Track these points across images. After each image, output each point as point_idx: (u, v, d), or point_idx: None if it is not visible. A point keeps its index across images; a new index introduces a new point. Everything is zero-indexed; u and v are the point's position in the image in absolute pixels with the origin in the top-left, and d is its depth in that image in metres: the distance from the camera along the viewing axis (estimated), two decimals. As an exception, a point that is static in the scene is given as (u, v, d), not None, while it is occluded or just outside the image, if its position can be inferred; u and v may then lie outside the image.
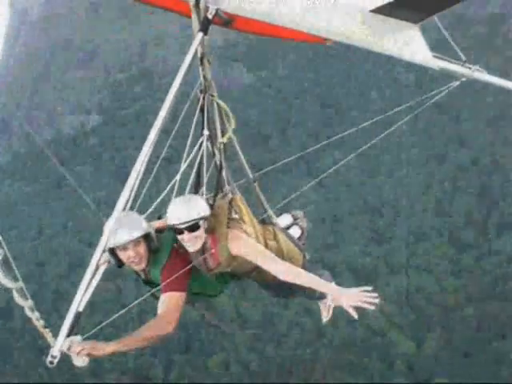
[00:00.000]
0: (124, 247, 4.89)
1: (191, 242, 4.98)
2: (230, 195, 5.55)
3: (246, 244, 5.08)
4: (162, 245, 5.06)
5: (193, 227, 4.94)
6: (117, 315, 4.78)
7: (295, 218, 6.70)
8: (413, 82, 64.13)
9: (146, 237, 4.94)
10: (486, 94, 59.87)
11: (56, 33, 74.52)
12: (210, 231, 5.06)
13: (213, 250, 5.09)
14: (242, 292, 47.46)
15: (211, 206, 5.18)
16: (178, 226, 4.94)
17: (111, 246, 4.79)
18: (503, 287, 47.14)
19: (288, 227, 6.58)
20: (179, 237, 4.98)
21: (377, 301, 4.47)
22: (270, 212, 6.07)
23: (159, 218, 5.45)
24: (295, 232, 6.55)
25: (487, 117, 59.35)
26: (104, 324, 4.66)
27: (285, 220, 6.67)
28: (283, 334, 46.54)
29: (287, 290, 5.88)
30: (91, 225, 55.35)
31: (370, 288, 4.62)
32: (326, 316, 6.71)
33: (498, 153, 55.85)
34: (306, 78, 67.80)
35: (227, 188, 5.67)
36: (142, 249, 4.95)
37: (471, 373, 42.34)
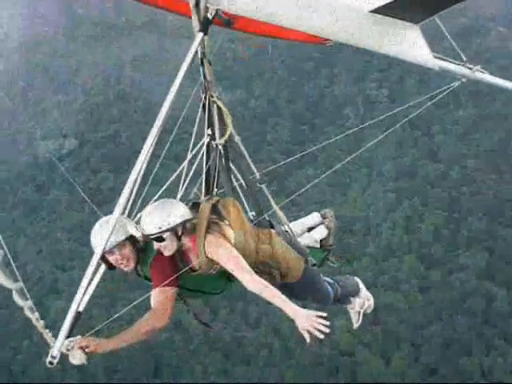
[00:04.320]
0: (111, 251, 5.06)
1: (161, 249, 5.18)
2: (215, 198, 5.57)
3: (219, 249, 5.16)
4: (149, 242, 5.23)
5: (157, 239, 5.11)
6: (116, 315, 4.95)
7: (324, 217, 6.72)
8: (386, 96, 64.05)
9: (131, 238, 5.14)
10: (458, 108, 59.91)
11: (35, 58, 74.94)
12: (191, 234, 5.20)
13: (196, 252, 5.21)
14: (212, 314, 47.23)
15: (197, 208, 5.33)
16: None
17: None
18: (471, 303, 46.79)
19: (314, 226, 6.64)
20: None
21: (327, 330, 4.56)
22: (280, 213, 6.01)
23: None
24: (321, 232, 6.62)
25: (459, 131, 59.11)
26: (103, 325, 4.86)
27: (313, 219, 6.73)
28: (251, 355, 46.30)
29: (300, 294, 5.96)
30: (65, 249, 55.37)
31: (325, 314, 4.68)
32: (356, 321, 7.05)
33: (468, 165, 55.59)
34: (280, 96, 67.89)
35: (216, 190, 5.75)
36: (128, 250, 5.14)
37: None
